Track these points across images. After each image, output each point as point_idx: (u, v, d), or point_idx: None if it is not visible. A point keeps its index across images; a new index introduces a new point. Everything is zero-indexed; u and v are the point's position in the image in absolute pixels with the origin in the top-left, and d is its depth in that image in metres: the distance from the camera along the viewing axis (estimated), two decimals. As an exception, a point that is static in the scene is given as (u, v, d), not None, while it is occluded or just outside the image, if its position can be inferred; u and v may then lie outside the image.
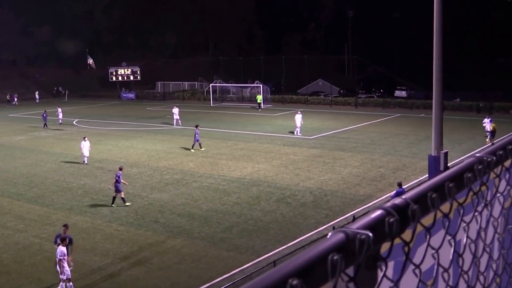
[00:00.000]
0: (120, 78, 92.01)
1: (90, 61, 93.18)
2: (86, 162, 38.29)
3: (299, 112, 49.32)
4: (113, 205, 28.33)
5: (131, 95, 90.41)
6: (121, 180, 28.79)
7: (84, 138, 39.42)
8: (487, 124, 41.96)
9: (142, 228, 25.05)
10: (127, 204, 28.37)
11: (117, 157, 40.25)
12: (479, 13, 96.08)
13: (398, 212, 1.54)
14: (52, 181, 34.14)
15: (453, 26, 77.97)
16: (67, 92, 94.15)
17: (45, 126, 55.71)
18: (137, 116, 65.05)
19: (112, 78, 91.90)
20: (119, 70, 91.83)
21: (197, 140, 41.58)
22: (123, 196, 28.51)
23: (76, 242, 23.60)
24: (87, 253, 22.43)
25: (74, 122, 60.66)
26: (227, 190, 30.73)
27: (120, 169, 29.92)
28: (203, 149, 41.73)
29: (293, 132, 47.87)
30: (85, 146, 38.25)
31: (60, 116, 58.94)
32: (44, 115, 56.20)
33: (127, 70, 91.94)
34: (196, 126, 42.36)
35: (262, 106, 69.35)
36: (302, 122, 47.85)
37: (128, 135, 50.53)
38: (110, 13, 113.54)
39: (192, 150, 41.48)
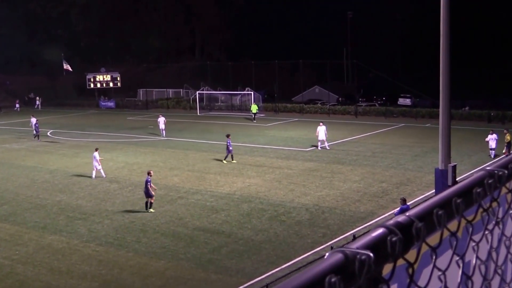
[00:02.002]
0: (98, 85, 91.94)
1: (67, 66, 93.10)
2: (102, 175, 38.38)
3: (321, 124, 47.23)
4: (150, 210, 29.98)
5: (111, 104, 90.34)
6: (151, 185, 30.19)
7: (96, 149, 39.57)
8: (492, 141, 41.06)
9: (123, 249, 24.95)
10: (150, 210, 29.88)
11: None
12: (490, 14, 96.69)
13: (402, 231, 1.54)
14: (24, 197, 33.99)
15: (461, 27, 78.50)
16: (40, 100, 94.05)
17: (37, 138, 54.92)
18: (117, 127, 64.95)
19: (90, 85, 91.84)
20: (98, 76, 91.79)
21: (230, 151, 41.74)
22: (152, 201, 30.12)
23: (50, 263, 23.51)
24: (62, 275, 22.31)
25: (48, 133, 60.42)
26: (215, 207, 30.68)
27: (149, 173, 30.76)
28: (234, 161, 41.81)
29: (316, 146, 46.62)
30: (96, 158, 38.28)
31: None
32: (37, 125, 55.65)
33: (106, 77, 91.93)
34: (228, 136, 42.43)
35: (256, 117, 68.36)
36: (326, 135, 46.49)
37: (108, 147, 50.40)
38: (88, 14, 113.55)
39: (225, 162, 41.68)
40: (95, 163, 38.12)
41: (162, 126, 55.65)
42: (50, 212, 30.86)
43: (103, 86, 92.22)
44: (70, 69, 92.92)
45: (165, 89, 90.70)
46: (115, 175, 38.83)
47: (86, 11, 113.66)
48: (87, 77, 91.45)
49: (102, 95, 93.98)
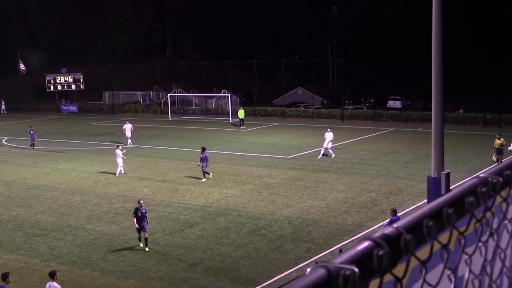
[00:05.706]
0: (59, 87, 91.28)
1: (22, 66, 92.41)
2: (122, 172, 41.39)
3: (329, 130, 46.49)
4: (144, 247, 26.88)
5: (73, 108, 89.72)
6: (133, 217, 27.36)
7: (117, 146, 42.40)
8: None
9: (88, 268, 24.77)
10: (144, 248, 26.76)
11: (57, 183, 39.85)
12: (485, 11, 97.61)
13: (389, 243, 1.56)
14: (-23, 212, 33.65)
15: (455, 25, 79.14)
16: (4, 104, 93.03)
17: (32, 146, 53.71)
18: (80, 133, 64.55)
19: (50, 87, 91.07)
20: (58, 77, 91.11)
21: (204, 167, 39.18)
22: (139, 236, 27.04)
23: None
24: (19, 298, 22.11)
25: (3, 141, 59.98)
26: (189, 221, 30.59)
27: (138, 202, 27.60)
28: (210, 175, 39.63)
29: (326, 155, 45.76)
30: (119, 155, 41.05)
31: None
32: (31, 132, 54.11)
33: (68, 78, 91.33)
34: (203, 150, 39.71)
35: (244, 123, 66.21)
36: (332, 143, 46.04)
37: (70, 156, 50.10)
38: (48, 9, 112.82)
39: (204, 179, 39.16)
40: (118, 161, 40.85)
41: (128, 134, 53.77)
42: (5, 228, 30.55)
43: (64, 88, 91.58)
44: (23, 69, 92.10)
45: (133, 92, 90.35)
46: (78, 187, 38.56)
47: (45, 5, 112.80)
48: (47, 78, 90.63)
49: (63, 99, 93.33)
